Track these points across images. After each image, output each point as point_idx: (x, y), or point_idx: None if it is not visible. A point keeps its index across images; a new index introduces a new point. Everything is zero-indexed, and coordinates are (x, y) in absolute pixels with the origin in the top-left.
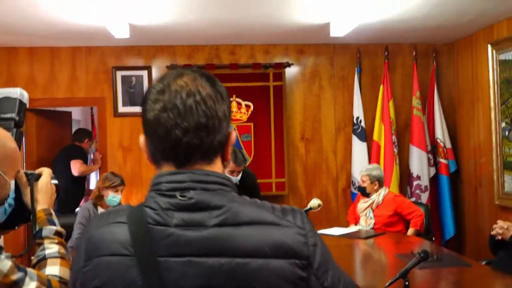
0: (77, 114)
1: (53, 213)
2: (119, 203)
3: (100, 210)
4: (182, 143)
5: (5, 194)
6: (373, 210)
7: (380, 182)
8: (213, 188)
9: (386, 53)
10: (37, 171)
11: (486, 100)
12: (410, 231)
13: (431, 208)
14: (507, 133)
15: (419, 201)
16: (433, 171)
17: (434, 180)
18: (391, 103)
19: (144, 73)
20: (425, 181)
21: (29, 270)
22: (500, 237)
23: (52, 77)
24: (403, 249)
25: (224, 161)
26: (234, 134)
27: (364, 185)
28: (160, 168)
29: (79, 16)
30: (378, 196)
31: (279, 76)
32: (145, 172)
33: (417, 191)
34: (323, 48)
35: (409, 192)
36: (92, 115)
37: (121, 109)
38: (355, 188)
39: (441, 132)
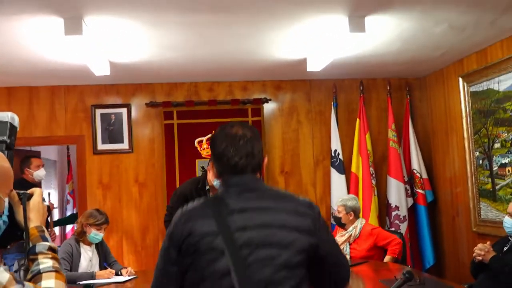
0: (54, 154)
1: (45, 230)
2: (102, 241)
3: (83, 246)
4: (239, 163)
5: (0, 211)
6: (350, 244)
7: (355, 213)
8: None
9: (361, 88)
10: (29, 191)
11: (459, 130)
12: (387, 258)
13: (410, 237)
14: (481, 161)
15: (399, 230)
16: (410, 201)
17: (412, 210)
18: (367, 136)
19: (124, 111)
20: (403, 211)
21: (26, 283)
22: (480, 258)
23: (30, 116)
24: (385, 275)
25: (261, 175)
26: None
27: (340, 215)
28: (223, 177)
29: (60, 54)
30: (355, 230)
31: (258, 112)
32: (126, 209)
33: (396, 221)
34: (300, 84)
35: (388, 223)
36: (68, 156)
37: (101, 146)
38: (334, 220)
39: (417, 163)
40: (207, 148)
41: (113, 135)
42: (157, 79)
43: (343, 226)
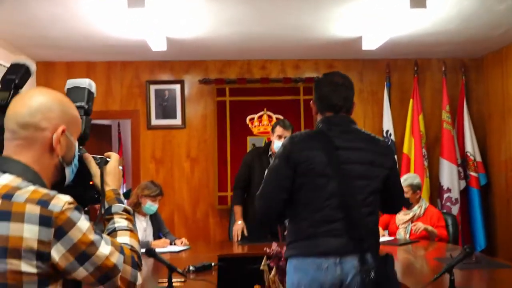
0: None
1: (121, 193)
2: (156, 212)
3: (137, 216)
4: (337, 104)
5: (71, 155)
6: (412, 223)
7: (421, 190)
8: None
9: (415, 68)
10: (105, 155)
11: None
12: (431, 228)
13: (461, 220)
14: None
15: (451, 213)
16: (463, 184)
17: (465, 193)
18: (421, 117)
19: (177, 87)
20: (455, 194)
21: (104, 235)
22: None
23: None
24: (440, 253)
25: (350, 114)
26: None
27: (407, 196)
28: (323, 114)
29: (119, 29)
30: (419, 209)
31: (310, 90)
32: (177, 183)
33: (448, 204)
34: (353, 63)
35: (439, 205)
36: (119, 132)
37: (154, 121)
38: None
39: (471, 145)
40: (259, 125)
41: (166, 111)
42: (210, 56)
43: (409, 205)
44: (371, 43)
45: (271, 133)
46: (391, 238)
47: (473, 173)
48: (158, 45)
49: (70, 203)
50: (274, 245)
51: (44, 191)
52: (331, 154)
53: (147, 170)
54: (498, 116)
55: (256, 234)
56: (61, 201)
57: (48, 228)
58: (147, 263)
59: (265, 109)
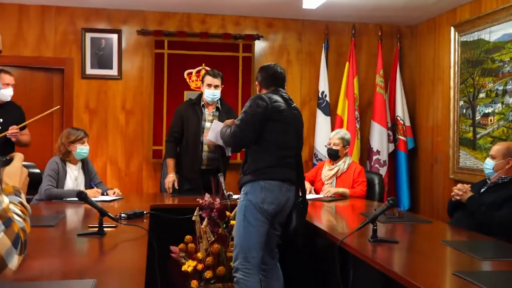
0: None
1: (22, 192)
2: (87, 161)
3: (69, 165)
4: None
5: None
6: (336, 179)
7: (349, 146)
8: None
9: (353, 32)
10: (9, 156)
11: (446, 80)
12: (342, 190)
13: (388, 181)
14: (464, 111)
15: (379, 172)
16: (392, 147)
17: (393, 156)
18: (355, 80)
19: (114, 37)
20: (384, 156)
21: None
22: (458, 198)
23: (19, 35)
24: (365, 209)
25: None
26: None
27: (338, 148)
28: (268, 89)
29: None
30: (343, 164)
31: (249, 48)
32: (111, 134)
33: (376, 165)
34: (292, 23)
35: (368, 166)
36: None
37: (89, 71)
38: (317, 160)
39: (401, 110)
40: (197, 80)
41: (102, 60)
42: (149, 7)
43: (336, 158)
44: (311, 2)
45: (201, 84)
46: (317, 196)
47: (401, 137)
48: None
49: None
50: (207, 196)
51: None
52: (291, 110)
53: (80, 120)
54: (428, 83)
55: (189, 186)
56: None
57: None
58: (78, 210)
59: (203, 64)
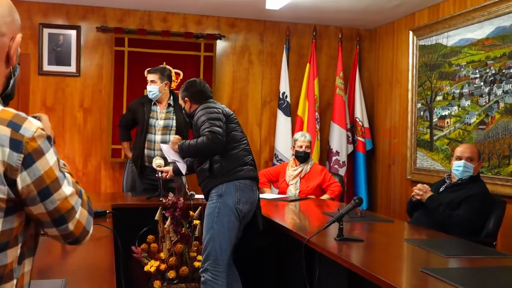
0: None
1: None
2: None
3: None
4: (210, 92)
5: (16, 65)
6: (300, 179)
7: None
8: None
9: (314, 33)
10: (36, 115)
11: (404, 83)
12: (325, 197)
13: (347, 182)
14: (422, 113)
15: (338, 173)
16: (351, 148)
17: (351, 157)
18: (316, 81)
19: (73, 33)
20: (343, 157)
21: (67, 174)
22: (418, 198)
23: None
24: (328, 209)
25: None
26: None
27: (309, 150)
28: (199, 103)
29: None
30: (306, 165)
31: (210, 47)
32: (69, 132)
33: (336, 166)
34: (255, 24)
35: (328, 167)
36: None
37: (46, 67)
38: (277, 161)
39: (360, 112)
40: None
41: (60, 57)
42: (110, 3)
43: (305, 161)
44: (274, 3)
45: None
46: (282, 195)
47: (360, 138)
48: None
49: (42, 129)
50: (171, 195)
51: (13, 111)
52: (230, 113)
53: None
54: (387, 85)
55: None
56: (33, 125)
57: (18, 153)
58: None
59: (164, 63)
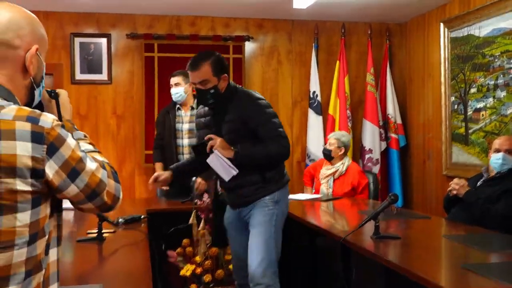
0: None
1: (74, 124)
2: None
3: None
4: None
5: (41, 75)
6: (334, 180)
7: (346, 149)
8: None
9: (342, 31)
10: (56, 90)
11: (436, 76)
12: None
13: (381, 180)
14: (456, 106)
15: (372, 171)
16: (384, 145)
17: (385, 154)
18: (346, 79)
19: (103, 41)
20: (376, 155)
21: (87, 153)
22: (455, 192)
23: None
24: (363, 208)
25: None
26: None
27: (331, 148)
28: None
29: None
30: (342, 166)
31: (239, 49)
32: (103, 140)
33: (369, 164)
34: (282, 24)
35: (361, 165)
36: None
37: (79, 76)
38: (310, 161)
39: (392, 108)
40: None
41: (92, 65)
42: (139, 10)
43: (330, 159)
44: (301, 2)
45: None
46: (315, 195)
47: (393, 135)
48: None
49: (57, 120)
50: (206, 197)
51: (28, 109)
52: None
53: None
54: (419, 80)
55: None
56: (49, 117)
57: (41, 145)
58: (71, 216)
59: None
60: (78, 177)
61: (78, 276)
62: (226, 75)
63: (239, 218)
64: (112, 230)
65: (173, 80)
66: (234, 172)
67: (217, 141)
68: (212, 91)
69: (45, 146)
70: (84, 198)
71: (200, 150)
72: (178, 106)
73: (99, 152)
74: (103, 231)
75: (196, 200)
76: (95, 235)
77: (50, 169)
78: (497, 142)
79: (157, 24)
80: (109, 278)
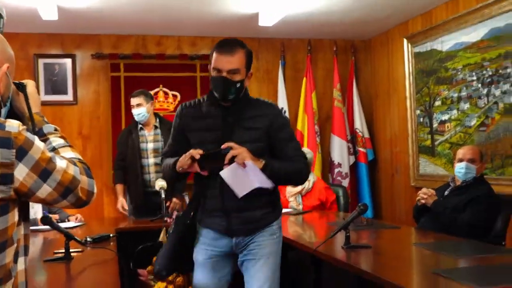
0: None
1: (44, 116)
2: None
3: None
4: None
5: (8, 95)
6: (302, 197)
7: (310, 165)
8: None
9: (308, 48)
10: (21, 81)
11: (401, 91)
12: None
13: (350, 193)
14: (421, 119)
15: (342, 185)
16: (352, 159)
17: (354, 168)
18: (313, 95)
19: (68, 61)
20: (345, 169)
21: (59, 148)
22: (424, 202)
23: None
24: (332, 219)
25: None
26: None
27: None
28: None
29: None
30: (308, 183)
31: (206, 68)
32: None
33: (338, 178)
34: (249, 42)
35: (330, 179)
36: None
37: (43, 97)
38: None
39: (359, 122)
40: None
41: (56, 86)
42: (104, 30)
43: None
44: (267, 20)
45: None
46: (286, 210)
47: (361, 149)
48: (49, 14)
49: (22, 125)
50: (175, 215)
51: None
52: None
53: None
54: (384, 95)
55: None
56: (15, 123)
57: (9, 150)
58: (37, 237)
59: (161, 86)
60: (50, 177)
61: None
62: (251, 72)
63: (229, 251)
64: (80, 250)
65: (134, 101)
66: (269, 185)
67: (243, 150)
68: (238, 85)
69: (14, 151)
70: (58, 196)
71: (212, 160)
72: (140, 126)
73: (71, 146)
74: (71, 250)
75: (166, 218)
76: (62, 254)
77: (20, 173)
78: (460, 152)
79: (123, 44)
80: None
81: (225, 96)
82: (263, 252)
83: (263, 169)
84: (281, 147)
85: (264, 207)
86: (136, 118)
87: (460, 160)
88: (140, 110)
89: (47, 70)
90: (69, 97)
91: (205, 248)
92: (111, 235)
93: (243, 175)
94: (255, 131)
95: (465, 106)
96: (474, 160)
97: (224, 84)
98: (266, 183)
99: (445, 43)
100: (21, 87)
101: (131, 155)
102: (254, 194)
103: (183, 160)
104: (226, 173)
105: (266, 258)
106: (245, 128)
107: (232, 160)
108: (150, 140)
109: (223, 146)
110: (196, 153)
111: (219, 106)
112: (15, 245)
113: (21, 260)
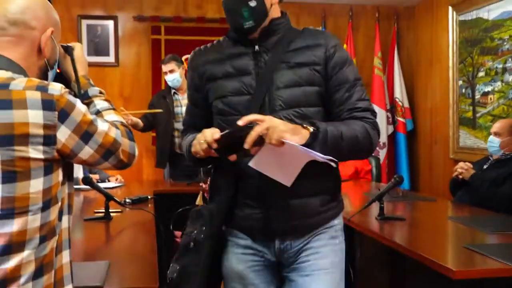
0: None
1: (90, 79)
2: None
3: None
4: None
5: (54, 59)
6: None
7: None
8: None
9: (350, 14)
10: (70, 44)
11: (444, 60)
12: None
13: (388, 164)
14: (463, 90)
15: (378, 156)
16: (391, 129)
17: (392, 138)
18: (353, 62)
19: (110, 23)
20: (383, 138)
21: (103, 111)
22: (461, 177)
23: None
24: (368, 189)
25: None
26: None
27: None
28: None
29: None
30: None
31: None
32: None
33: (376, 148)
34: (290, 7)
35: None
36: None
37: (86, 58)
38: None
39: (400, 91)
40: None
41: (99, 47)
42: None
43: None
44: None
45: None
46: None
47: (400, 119)
48: None
49: (64, 88)
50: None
51: (37, 80)
52: None
53: None
54: (426, 63)
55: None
56: (57, 85)
57: (52, 112)
58: (78, 197)
59: None
60: (91, 139)
61: (85, 253)
62: None
63: (273, 260)
64: (119, 210)
65: (167, 68)
66: (333, 164)
67: (273, 122)
68: (254, 3)
69: (56, 113)
70: (99, 158)
71: (232, 144)
72: (174, 91)
73: (114, 109)
74: (110, 210)
75: (201, 184)
76: (102, 214)
77: (63, 134)
78: (494, 126)
79: (164, 7)
80: (116, 255)
81: (237, 23)
82: (323, 263)
83: (312, 140)
84: (340, 96)
85: (324, 192)
86: (171, 84)
87: (492, 134)
88: (174, 75)
89: (90, 31)
90: (111, 58)
91: (235, 260)
92: (149, 197)
93: (285, 157)
94: (306, 69)
95: (510, 78)
96: (500, 134)
97: (234, 3)
98: (323, 158)
99: (492, 11)
100: (69, 50)
101: (165, 120)
102: (307, 176)
103: (198, 145)
104: (257, 162)
105: (325, 273)
106: (289, 66)
107: (260, 141)
108: (184, 104)
109: (240, 122)
110: (211, 139)
111: (247, 42)
112: (59, 203)
113: (65, 218)
